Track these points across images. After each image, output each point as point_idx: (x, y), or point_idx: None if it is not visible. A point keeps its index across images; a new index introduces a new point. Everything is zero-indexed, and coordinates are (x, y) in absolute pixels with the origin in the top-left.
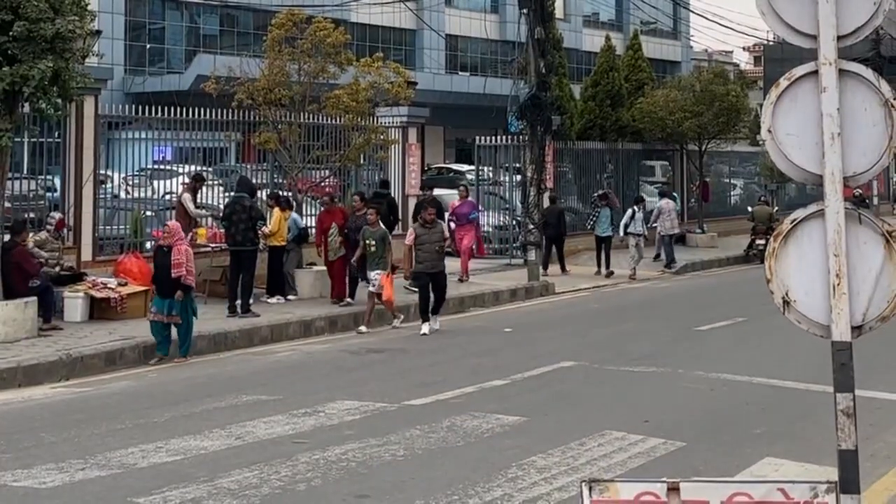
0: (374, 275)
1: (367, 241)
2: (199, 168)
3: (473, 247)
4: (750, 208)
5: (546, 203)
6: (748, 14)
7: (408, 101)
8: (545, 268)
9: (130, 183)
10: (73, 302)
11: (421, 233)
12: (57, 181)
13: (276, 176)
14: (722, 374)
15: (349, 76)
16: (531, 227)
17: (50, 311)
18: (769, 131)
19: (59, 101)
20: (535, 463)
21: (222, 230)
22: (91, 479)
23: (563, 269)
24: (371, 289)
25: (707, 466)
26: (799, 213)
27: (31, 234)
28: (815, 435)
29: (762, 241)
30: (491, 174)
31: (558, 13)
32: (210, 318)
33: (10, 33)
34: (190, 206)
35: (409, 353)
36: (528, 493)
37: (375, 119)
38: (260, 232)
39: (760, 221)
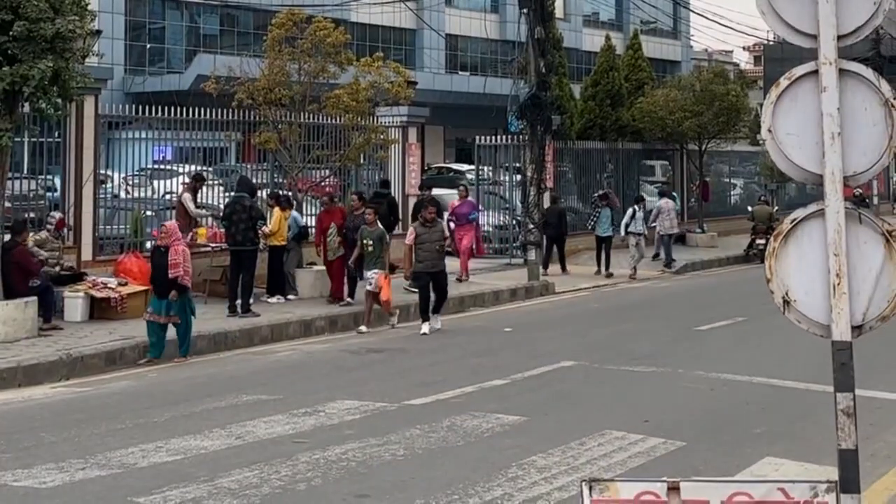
0: (371, 274)
1: (365, 241)
2: (199, 168)
3: (473, 246)
4: (750, 208)
5: (547, 203)
6: (748, 14)
7: (408, 101)
8: (545, 267)
9: (130, 183)
10: (74, 302)
11: (421, 232)
12: (57, 181)
13: (276, 176)
14: (722, 373)
15: (349, 76)
16: (531, 226)
17: (50, 311)
18: (769, 131)
19: (59, 100)
20: (535, 462)
21: (222, 230)
22: (91, 478)
23: (563, 268)
24: (369, 287)
25: (707, 466)
26: (799, 213)
27: (31, 234)
28: (816, 434)
29: (762, 241)
30: (491, 174)
31: (558, 13)
32: (210, 318)
33: (10, 33)
34: (190, 205)
35: (409, 352)
36: (528, 492)
37: (375, 119)
38: (260, 232)
39: (760, 221)
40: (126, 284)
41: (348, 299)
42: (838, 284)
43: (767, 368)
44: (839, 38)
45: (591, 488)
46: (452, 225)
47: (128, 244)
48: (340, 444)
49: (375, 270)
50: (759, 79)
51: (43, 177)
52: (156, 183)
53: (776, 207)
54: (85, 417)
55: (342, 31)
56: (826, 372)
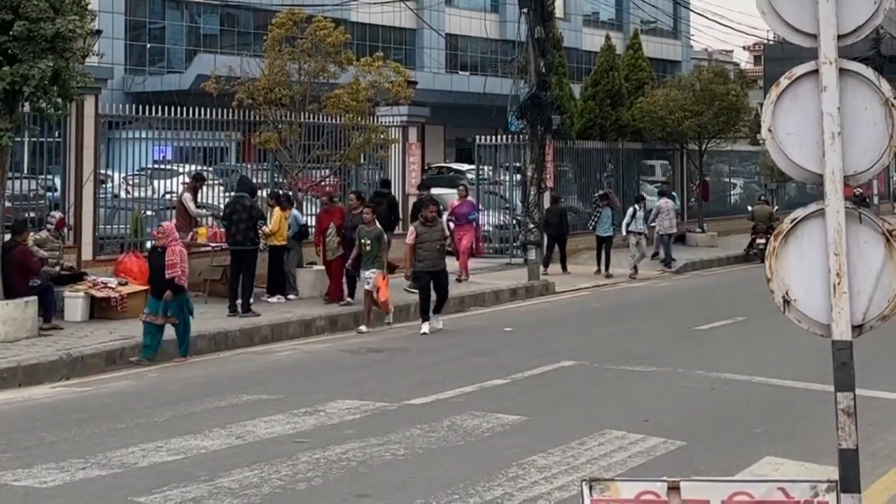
0: (368, 274)
1: (363, 240)
2: (199, 168)
3: (472, 246)
4: (750, 207)
5: (547, 203)
6: (748, 13)
7: (408, 101)
8: (546, 267)
9: (131, 182)
10: (74, 301)
11: (422, 231)
12: (57, 181)
13: (276, 175)
14: (722, 373)
15: (349, 76)
16: (531, 226)
17: (50, 311)
18: (769, 130)
19: (60, 100)
20: (535, 462)
21: (223, 230)
22: (91, 478)
23: (563, 268)
24: (367, 286)
25: (707, 465)
26: (799, 213)
27: (31, 234)
28: (816, 434)
29: (762, 241)
30: (491, 173)
31: (558, 12)
32: (210, 318)
33: (11, 33)
34: (190, 205)
35: (410, 352)
36: (528, 492)
37: (375, 118)
38: (260, 231)
39: (760, 221)
40: (126, 284)
41: (348, 299)
42: (838, 284)
43: (767, 368)
44: (839, 37)
45: (591, 488)
46: (452, 225)
47: (128, 244)
48: (341, 444)
49: (373, 270)
50: (759, 78)
51: (43, 176)
52: (156, 183)
53: (776, 207)
54: (85, 417)
55: (342, 30)
56: (826, 371)
